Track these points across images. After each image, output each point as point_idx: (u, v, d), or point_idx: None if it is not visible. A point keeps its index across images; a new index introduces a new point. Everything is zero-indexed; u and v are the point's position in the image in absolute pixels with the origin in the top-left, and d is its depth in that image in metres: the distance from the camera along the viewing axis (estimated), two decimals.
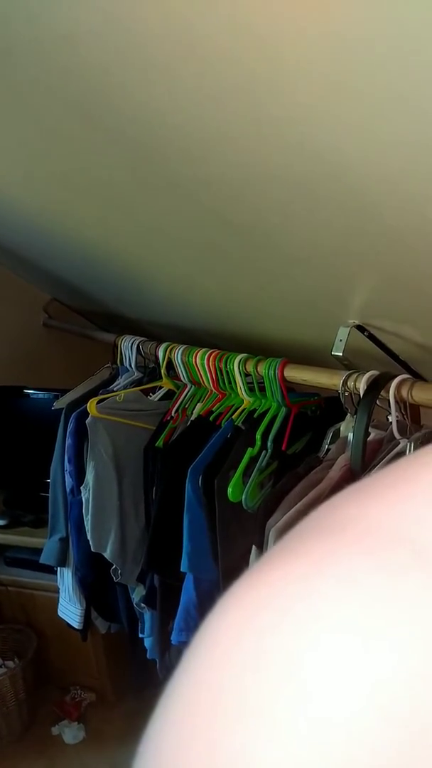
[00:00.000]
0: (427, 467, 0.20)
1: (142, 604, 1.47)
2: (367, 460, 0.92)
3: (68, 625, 1.72)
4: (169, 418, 1.41)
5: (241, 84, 0.56)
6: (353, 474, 0.93)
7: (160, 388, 1.53)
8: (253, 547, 1.00)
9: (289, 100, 0.54)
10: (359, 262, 0.81)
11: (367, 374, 0.93)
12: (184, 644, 1.27)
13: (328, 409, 1.26)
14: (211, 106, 0.62)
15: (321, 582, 0.16)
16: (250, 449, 1.13)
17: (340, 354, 0.97)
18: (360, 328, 0.98)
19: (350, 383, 0.96)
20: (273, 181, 0.70)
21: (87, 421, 1.40)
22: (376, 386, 0.90)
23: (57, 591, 1.75)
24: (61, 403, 1.59)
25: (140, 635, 1.56)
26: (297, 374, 1.08)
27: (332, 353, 0.98)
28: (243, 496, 1.08)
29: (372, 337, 0.99)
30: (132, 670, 1.96)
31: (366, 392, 0.91)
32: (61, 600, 1.74)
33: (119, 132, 0.77)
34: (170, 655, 1.44)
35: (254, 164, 0.68)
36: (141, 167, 0.84)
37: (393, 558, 0.17)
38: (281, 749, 0.14)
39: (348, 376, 0.96)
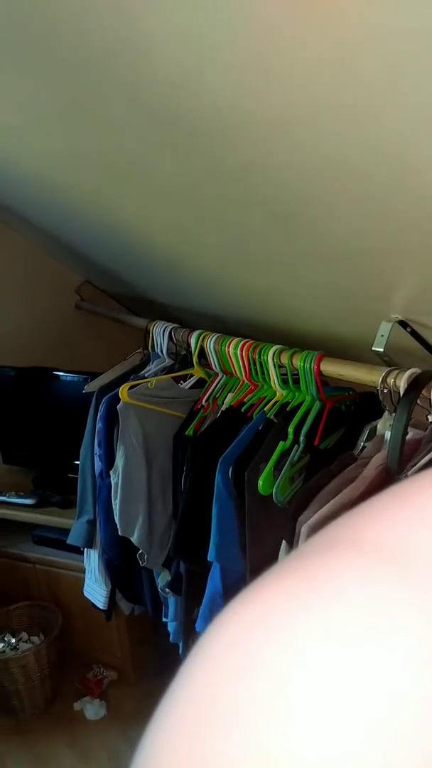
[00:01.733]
0: (422, 491, 0.21)
1: (167, 590, 1.49)
2: (404, 460, 0.90)
3: (93, 605, 1.75)
4: (199, 406, 1.40)
5: (303, 66, 0.53)
6: (389, 474, 0.91)
7: (191, 376, 1.52)
8: (283, 541, 0.99)
9: (355, 83, 0.52)
10: (408, 257, 0.79)
11: (408, 372, 0.91)
12: None
13: (362, 404, 1.24)
14: (265, 90, 0.59)
15: (311, 599, 0.17)
16: (282, 443, 1.12)
17: (381, 350, 0.95)
18: (403, 323, 0.96)
19: (390, 380, 0.93)
20: (324, 170, 0.68)
21: (118, 406, 1.40)
22: (418, 385, 0.88)
23: (83, 571, 1.77)
24: (92, 387, 1.59)
25: (164, 619, 1.57)
26: (334, 369, 1.06)
27: (373, 348, 0.96)
28: (273, 490, 1.07)
29: (415, 334, 0.96)
30: (154, 652, 1.99)
31: (407, 390, 0.89)
32: (86, 580, 1.77)
33: (163, 113, 0.75)
34: (193, 641, 1.45)
35: (306, 153, 0.66)
36: (184, 150, 0.82)
37: (382, 575, 0.17)
38: (270, 763, 0.14)
39: (388, 373, 0.94)
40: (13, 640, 1.98)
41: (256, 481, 1.07)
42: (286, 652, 0.16)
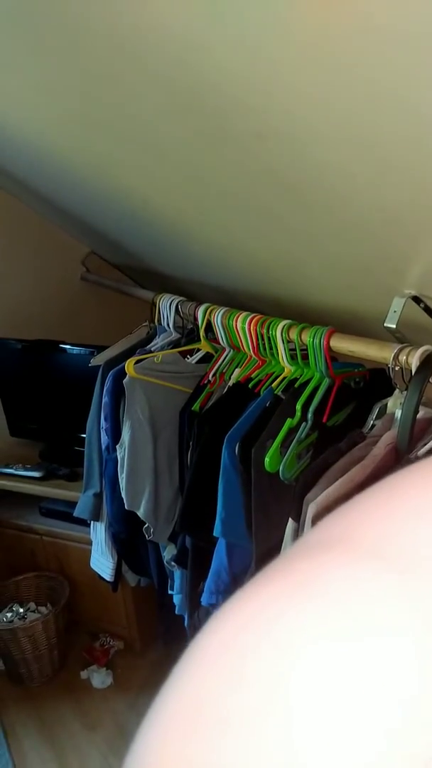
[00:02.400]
0: (414, 486, 0.21)
1: (173, 563, 1.49)
2: (415, 439, 0.89)
3: (100, 576, 1.77)
4: (206, 381, 1.39)
5: (320, 29, 0.50)
6: (398, 453, 0.89)
7: (198, 350, 1.50)
8: (290, 519, 0.99)
9: (365, 49, 0.49)
10: (425, 230, 0.75)
11: (421, 349, 0.88)
12: (213, 606, 1.28)
13: (372, 381, 1.22)
14: (275, 54, 0.56)
15: (303, 599, 0.17)
16: (289, 419, 1.10)
17: (394, 326, 0.92)
18: (416, 299, 0.93)
19: (402, 357, 0.91)
20: (339, 139, 0.64)
21: (124, 381, 1.39)
22: (430, 363, 0.86)
23: (90, 543, 1.79)
24: (98, 361, 1.58)
25: (169, 592, 1.58)
26: (344, 345, 1.03)
27: (385, 325, 0.93)
28: (280, 467, 1.06)
29: (428, 310, 0.94)
30: (159, 623, 2.02)
31: (419, 368, 0.86)
32: (93, 552, 1.78)
33: (173, 78, 0.71)
34: (199, 614, 1.46)
35: (319, 120, 0.63)
36: (194, 117, 0.79)
37: (372, 572, 0.17)
38: (259, 763, 0.14)
39: (400, 350, 0.91)
40: (21, 610, 2.02)
41: (262, 458, 1.06)
42: (276, 655, 0.16)
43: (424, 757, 0.14)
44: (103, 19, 0.65)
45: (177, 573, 1.53)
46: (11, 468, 2.06)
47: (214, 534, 1.20)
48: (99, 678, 1.97)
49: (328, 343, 1.06)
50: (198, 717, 0.16)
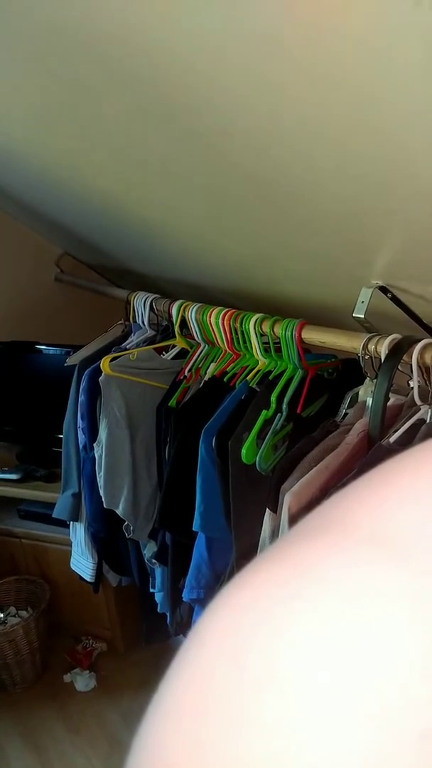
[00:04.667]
0: (408, 471, 0.21)
1: (154, 560, 1.49)
2: (386, 425, 0.90)
3: (80, 577, 1.76)
4: (182, 377, 1.39)
5: (269, 25, 0.51)
6: (371, 440, 0.91)
7: (174, 346, 1.51)
8: (267, 510, 0.99)
9: (333, 50, 0.50)
10: (388, 221, 0.77)
11: (389, 337, 0.90)
12: (195, 601, 1.28)
13: (345, 371, 1.24)
14: (237, 51, 0.57)
15: (300, 585, 0.17)
16: (264, 411, 1.11)
17: (362, 316, 0.94)
18: (383, 289, 0.95)
19: (371, 346, 0.93)
20: (301, 132, 0.65)
21: (100, 379, 1.38)
22: (399, 350, 0.87)
23: (69, 544, 1.78)
24: (73, 360, 1.57)
25: (151, 590, 1.58)
26: (315, 336, 1.05)
27: (353, 315, 0.95)
28: (257, 459, 1.07)
29: (395, 299, 0.95)
30: (142, 623, 2.01)
31: (387, 356, 0.88)
32: (73, 553, 1.77)
33: (135, 77, 0.72)
34: (181, 610, 1.47)
35: (282, 115, 0.64)
36: (159, 116, 0.79)
37: (369, 558, 0.17)
38: (262, 748, 0.14)
39: (369, 339, 0.93)
40: (2, 615, 1.99)
41: (239, 450, 1.07)
42: (277, 640, 0.16)
43: (419, 732, 0.14)
44: (70, 21, 0.66)
45: (158, 570, 1.53)
46: None
47: (194, 528, 1.20)
48: (82, 681, 1.95)
49: (300, 334, 1.08)
50: (204, 701, 0.16)
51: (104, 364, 1.39)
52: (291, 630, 0.16)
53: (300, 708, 0.15)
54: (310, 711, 0.15)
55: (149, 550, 1.53)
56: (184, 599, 1.30)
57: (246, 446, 1.06)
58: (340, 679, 0.15)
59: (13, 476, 2.01)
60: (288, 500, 0.91)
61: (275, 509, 0.98)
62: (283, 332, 1.10)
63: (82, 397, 1.48)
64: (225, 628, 0.17)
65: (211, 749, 0.15)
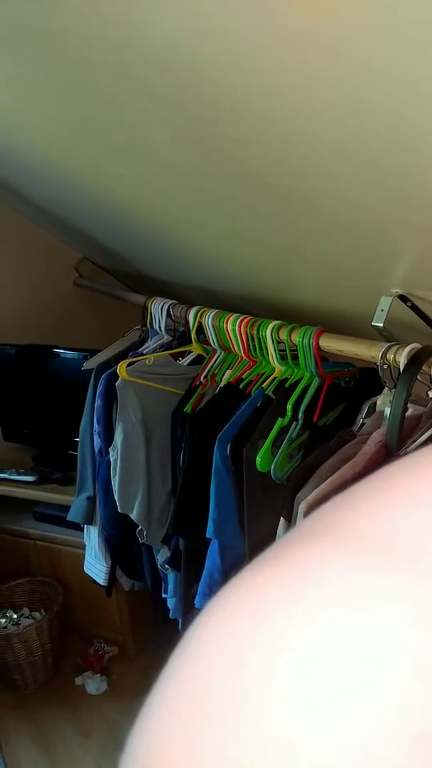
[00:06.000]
0: (409, 475, 0.21)
1: (167, 566, 1.49)
2: (404, 436, 0.89)
3: (93, 581, 1.76)
4: (197, 383, 1.39)
5: (289, 34, 0.51)
6: (388, 450, 0.90)
7: (190, 352, 1.51)
8: (281, 518, 0.99)
9: (342, 52, 0.50)
10: (407, 229, 0.76)
11: (409, 347, 0.89)
12: None
13: (362, 380, 1.23)
14: (256, 60, 0.57)
15: (298, 588, 0.17)
16: (280, 419, 1.10)
17: (381, 325, 0.93)
18: (403, 298, 0.94)
19: (390, 356, 0.92)
20: (318, 141, 0.65)
21: (117, 383, 1.39)
22: (418, 360, 0.87)
23: (83, 547, 1.78)
24: (90, 364, 1.58)
25: (163, 595, 1.58)
26: (333, 344, 1.04)
27: (372, 324, 0.94)
28: (272, 467, 1.06)
29: (415, 308, 0.94)
30: (153, 628, 2.01)
31: (407, 366, 0.87)
32: (87, 556, 1.77)
33: (157, 85, 0.72)
34: (193, 617, 1.46)
35: (299, 123, 0.64)
36: (178, 124, 0.80)
37: (369, 564, 0.17)
38: (257, 749, 0.14)
39: (388, 349, 0.92)
40: (15, 616, 2.00)
41: (254, 457, 1.06)
42: (275, 643, 0.16)
43: (412, 736, 0.14)
44: (92, 29, 0.66)
45: (171, 576, 1.53)
46: (5, 473, 2.05)
47: (207, 535, 1.20)
48: (94, 684, 1.95)
49: (317, 342, 1.07)
50: (200, 698, 0.16)
51: (121, 368, 1.39)
52: (289, 633, 0.16)
53: (296, 710, 0.15)
54: (306, 714, 0.15)
55: (162, 555, 1.53)
56: (196, 606, 1.30)
57: (261, 454, 1.05)
58: (336, 684, 0.15)
59: (29, 478, 2.02)
60: (303, 509, 0.91)
61: (290, 518, 0.97)
62: (301, 340, 1.09)
63: (98, 402, 1.49)
64: (223, 629, 0.17)
65: (206, 750, 0.15)
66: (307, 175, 0.75)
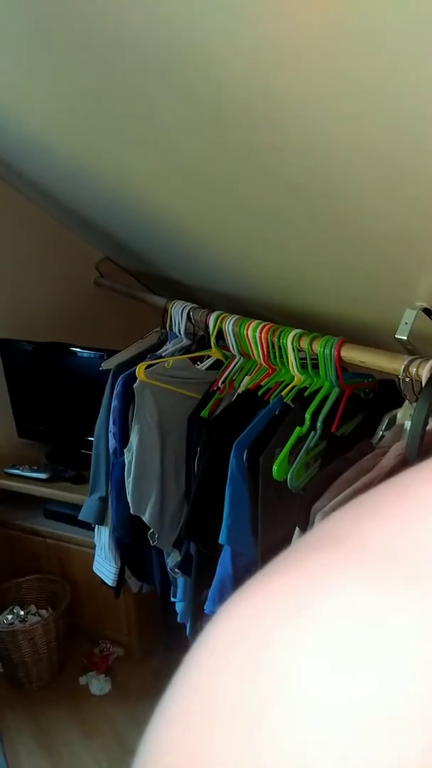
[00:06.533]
0: (423, 484, 0.20)
1: (177, 570, 1.49)
2: (424, 450, 0.88)
3: (102, 581, 1.76)
4: (215, 388, 1.39)
5: (328, 42, 0.51)
6: (407, 464, 0.89)
7: (208, 357, 1.51)
8: (297, 528, 0.98)
9: (382, 59, 0.49)
10: None
11: (431, 361, 0.88)
12: None
13: (381, 392, 1.22)
14: (292, 66, 0.57)
15: (312, 597, 0.17)
16: (298, 428, 1.10)
17: (405, 338, 0.92)
18: (427, 311, 0.93)
19: (412, 369, 0.91)
20: (355, 152, 0.65)
21: (134, 385, 1.39)
22: None
23: (93, 547, 1.78)
24: (108, 365, 1.58)
25: (172, 599, 1.57)
26: (355, 355, 1.03)
27: (396, 336, 0.94)
28: (288, 476, 1.05)
29: None
30: (160, 631, 2.01)
31: (429, 380, 0.86)
32: (96, 556, 1.77)
33: (190, 89, 0.73)
34: (201, 622, 1.46)
35: (336, 133, 0.63)
36: (211, 128, 0.80)
37: (383, 576, 0.17)
38: (267, 759, 0.14)
39: (410, 362, 0.91)
40: (22, 612, 2.01)
41: (270, 466, 1.06)
42: (289, 656, 0.16)
43: (423, 749, 0.14)
44: (130, 32, 0.66)
45: (180, 580, 1.53)
46: (18, 469, 2.06)
47: (219, 541, 1.19)
48: (98, 685, 1.95)
49: (339, 352, 1.07)
50: (210, 705, 0.16)
51: (140, 370, 1.39)
52: (301, 644, 0.16)
53: (307, 722, 0.15)
54: (318, 725, 0.14)
55: (173, 559, 1.53)
56: (206, 611, 1.29)
57: (278, 462, 1.05)
58: (347, 696, 0.15)
59: (42, 475, 2.03)
60: (319, 521, 0.90)
61: (305, 528, 0.96)
62: (322, 349, 1.09)
63: (115, 402, 1.49)
64: (234, 637, 0.17)
65: (216, 759, 0.15)
66: (340, 186, 0.75)
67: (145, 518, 1.46)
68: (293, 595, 0.17)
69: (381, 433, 1.00)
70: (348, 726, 0.14)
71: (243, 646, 0.17)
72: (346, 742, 0.14)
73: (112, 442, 1.54)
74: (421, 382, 0.90)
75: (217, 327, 1.40)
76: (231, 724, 0.15)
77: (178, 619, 1.55)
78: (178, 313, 1.57)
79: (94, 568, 1.78)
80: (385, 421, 1.00)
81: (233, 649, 0.17)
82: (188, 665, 0.18)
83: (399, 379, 0.94)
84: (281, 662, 0.16)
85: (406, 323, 0.94)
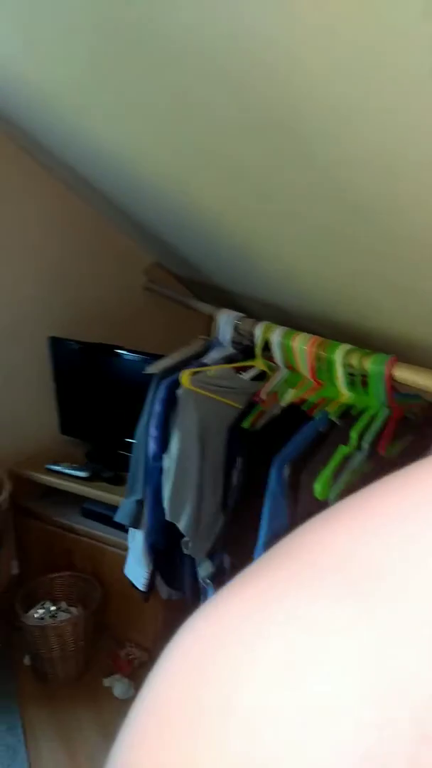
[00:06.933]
0: (389, 493, 0.20)
1: (208, 581, 1.47)
2: None
3: (132, 584, 1.76)
4: (258, 399, 1.37)
5: (402, 56, 0.49)
6: None
7: (252, 367, 1.49)
8: None
9: None
10: None
11: None
12: None
13: (430, 414, 1.18)
14: (360, 76, 0.55)
15: (261, 620, 0.17)
16: (343, 447, 1.07)
17: None
18: None
19: None
20: (423, 168, 0.62)
21: (178, 391, 1.39)
22: None
23: (126, 549, 1.78)
24: (153, 369, 1.59)
25: None
26: (408, 375, 1.00)
27: None
28: (331, 495, 1.03)
29: None
30: None
31: None
32: (129, 559, 1.77)
33: (253, 99, 0.71)
34: None
35: (404, 149, 0.61)
36: (276, 140, 0.78)
37: (330, 593, 0.17)
38: None
39: None
40: (53, 608, 2.03)
41: (312, 484, 1.03)
42: (234, 672, 0.16)
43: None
44: (190, 35, 0.66)
45: (211, 591, 1.51)
46: (59, 465, 2.09)
47: (255, 556, 1.17)
48: (121, 687, 1.95)
49: (391, 371, 1.03)
50: (165, 720, 0.16)
51: (184, 377, 1.39)
52: (250, 663, 0.16)
53: (253, 734, 0.15)
54: (263, 736, 0.15)
55: (205, 569, 1.51)
56: None
57: (321, 481, 1.02)
58: (290, 708, 0.15)
59: (81, 474, 2.05)
60: None
61: None
62: (373, 367, 1.06)
63: (157, 407, 1.49)
64: (189, 653, 0.18)
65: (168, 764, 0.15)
66: (408, 206, 0.72)
67: (180, 526, 1.45)
68: (245, 619, 0.17)
69: None
70: (291, 737, 0.14)
71: (193, 663, 0.17)
72: (291, 752, 0.14)
73: (152, 447, 1.54)
74: None
75: (263, 338, 1.38)
76: (179, 737, 0.15)
77: None
78: (226, 321, 1.56)
79: (126, 571, 1.78)
80: None
81: (185, 665, 0.17)
82: (149, 682, 0.18)
83: None
84: (226, 680, 0.16)
85: None
